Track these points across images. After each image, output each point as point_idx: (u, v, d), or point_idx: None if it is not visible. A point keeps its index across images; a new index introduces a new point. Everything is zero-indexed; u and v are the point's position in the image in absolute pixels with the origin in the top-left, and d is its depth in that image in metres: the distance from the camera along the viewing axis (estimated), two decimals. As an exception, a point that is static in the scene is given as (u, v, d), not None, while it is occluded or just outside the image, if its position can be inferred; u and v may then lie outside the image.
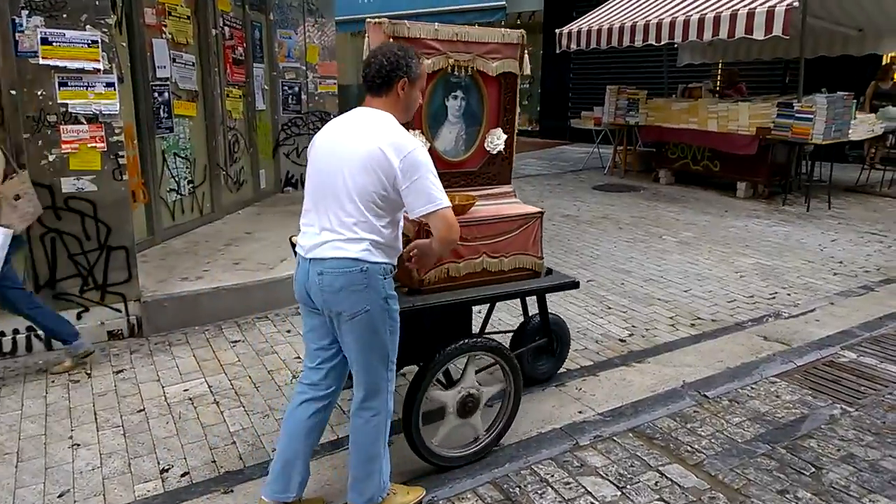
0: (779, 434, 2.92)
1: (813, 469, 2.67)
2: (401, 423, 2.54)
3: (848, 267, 5.40)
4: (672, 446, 2.83)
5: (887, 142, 9.27)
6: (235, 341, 3.98)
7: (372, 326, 2.12)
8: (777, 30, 6.56)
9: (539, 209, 2.98)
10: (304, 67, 7.90)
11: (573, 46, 9.14)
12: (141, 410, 3.16)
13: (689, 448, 2.82)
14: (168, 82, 5.46)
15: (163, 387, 3.40)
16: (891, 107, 8.24)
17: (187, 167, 5.87)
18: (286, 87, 7.79)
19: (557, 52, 9.57)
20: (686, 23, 7.56)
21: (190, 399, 3.27)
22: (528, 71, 2.93)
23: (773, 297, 4.70)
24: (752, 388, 3.38)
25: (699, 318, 4.34)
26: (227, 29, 6.47)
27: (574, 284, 3.02)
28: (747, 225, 6.89)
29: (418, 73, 2.19)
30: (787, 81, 10.24)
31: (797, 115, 7.25)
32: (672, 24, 7.73)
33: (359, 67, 2.29)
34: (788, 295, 4.76)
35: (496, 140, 3.01)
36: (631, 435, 2.92)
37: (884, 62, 9.76)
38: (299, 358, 3.73)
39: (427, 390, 2.54)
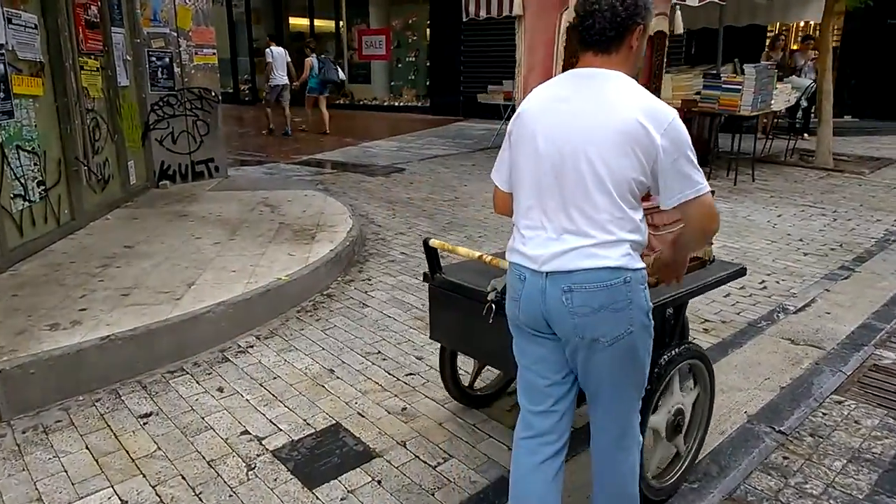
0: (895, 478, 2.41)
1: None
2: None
3: (811, 245, 5.20)
4: (786, 515, 2.20)
5: (778, 112, 9.53)
6: (146, 415, 2.83)
7: (633, 351, 1.69)
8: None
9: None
10: (174, 34, 6.46)
11: (482, 14, 8.37)
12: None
13: (805, 514, 2.20)
14: (2, 50, 3.98)
15: (45, 511, 2.24)
16: (795, 76, 8.36)
17: (35, 163, 4.41)
18: (154, 59, 6.33)
19: (465, 19, 8.75)
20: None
21: (95, 529, 2.15)
22: (680, 30, 2.45)
23: (764, 287, 4.32)
24: (824, 415, 2.85)
25: (706, 320, 3.81)
26: (75, -20, 4.97)
27: (741, 272, 2.62)
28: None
29: (652, 16, 1.68)
30: (692, 52, 10.23)
31: (724, 86, 7.04)
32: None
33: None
34: (777, 283, 4.39)
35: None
36: (729, 504, 2.26)
37: (770, 32, 10.05)
38: (248, 432, 2.69)
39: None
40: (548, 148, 1.62)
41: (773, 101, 7.27)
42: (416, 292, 4.28)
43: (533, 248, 1.66)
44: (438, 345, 3.45)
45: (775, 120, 9.69)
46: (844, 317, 3.87)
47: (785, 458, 2.54)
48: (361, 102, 16.13)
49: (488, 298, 2.13)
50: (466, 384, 2.93)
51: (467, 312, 2.30)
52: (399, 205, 6.67)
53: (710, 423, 2.48)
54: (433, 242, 2.45)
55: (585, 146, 1.58)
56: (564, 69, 2.05)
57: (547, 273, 1.63)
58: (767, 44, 10.01)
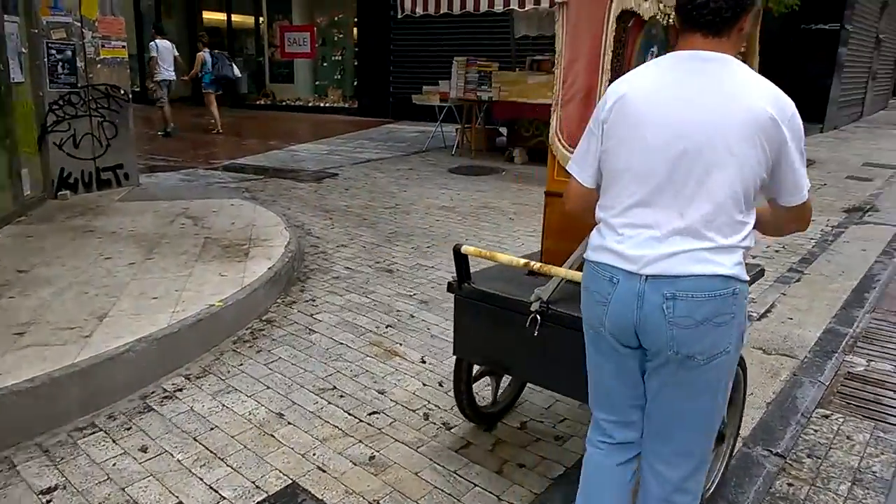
0: (910, 508, 2.24)
1: None
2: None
3: (755, 248, 5.16)
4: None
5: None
6: (49, 489, 2.27)
7: (724, 374, 1.55)
8: None
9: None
10: (78, 24, 5.71)
11: (419, 11, 7.99)
12: None
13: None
14: None
15: None
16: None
17: None
18: (54, 52, 5.58)
19: (400, 16, 8.34)
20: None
21: None
22: None
23: (730, 296, 4.20)
24: (815, 431, 2.72)
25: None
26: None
27: (761, 272, 2.51)
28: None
29: None
30: None
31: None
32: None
33: None
34: (741, 291, 4.29)
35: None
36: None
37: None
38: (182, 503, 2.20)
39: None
40: (660, 140, 1.45)
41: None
42: (367, 313, 3.85)
43: (633, 248, 1.49)
44: (404, 375, 3.05)
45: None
46: (807, 322, 3.83)
47: (790, 484, 2.36)
48: (284, 103, 15.38)
49: (532, 309, 1.97)
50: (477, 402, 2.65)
51: (505, 325, 2.13)
52: (337, 213, 6.18)
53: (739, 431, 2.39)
54: (466, 249, 2.18)
55: (709, 139, 1.42)
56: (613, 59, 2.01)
57: (647, 276, 1.47)
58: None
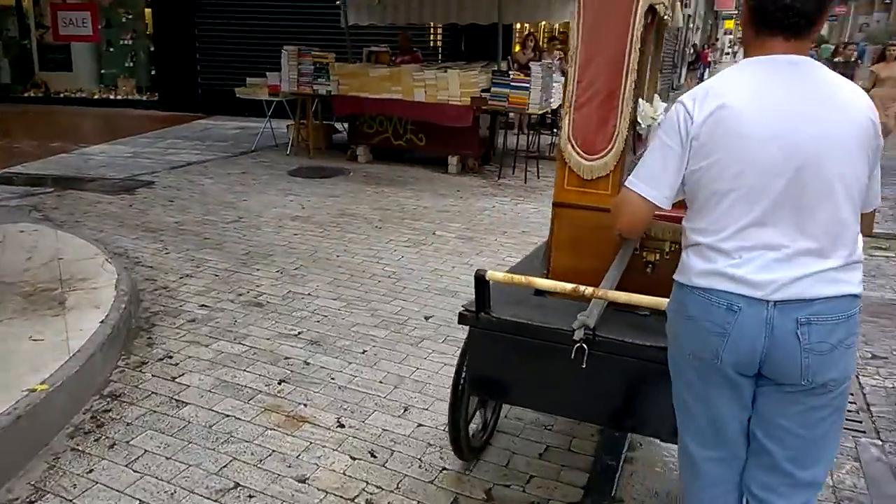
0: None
1: None
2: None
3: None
4: None
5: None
6: None
7: (847, 397, 1.47)
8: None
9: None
10: None
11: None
12: None
13: None
14: None
15: None
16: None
17: None
18: None
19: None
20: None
21: None
22: (680, 23, 2.19)
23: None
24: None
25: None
26: None
27: None
28: (495, 206, 6.28)
29: None
30: (462, 49, 10.07)
31: (513, 84, 6.90)
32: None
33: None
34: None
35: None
36: None
37: (519, 31, 10.43)
38: None
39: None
40: (776, 156, 1.37)
41: (552, 100, 7.38)
42: (249, 366, 3.10)
43: (756, 273, 1.39)
44: (323, 449, 2.42)
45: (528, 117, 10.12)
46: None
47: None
48: (62, 95, 12.93)
49: (576, 338, 1.76)
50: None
51: (540, 358, 1.90)
52: (168, 233, 5.12)
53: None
54: (492, 275, 1.91)
55: (828, 152, 1.36)
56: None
57: (776, 302, 1.38)
58: (519, 43, 10.37)
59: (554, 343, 1.82)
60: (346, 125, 8.72)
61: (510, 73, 7.04)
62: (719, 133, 1.40)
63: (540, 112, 7.04)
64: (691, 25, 21.66)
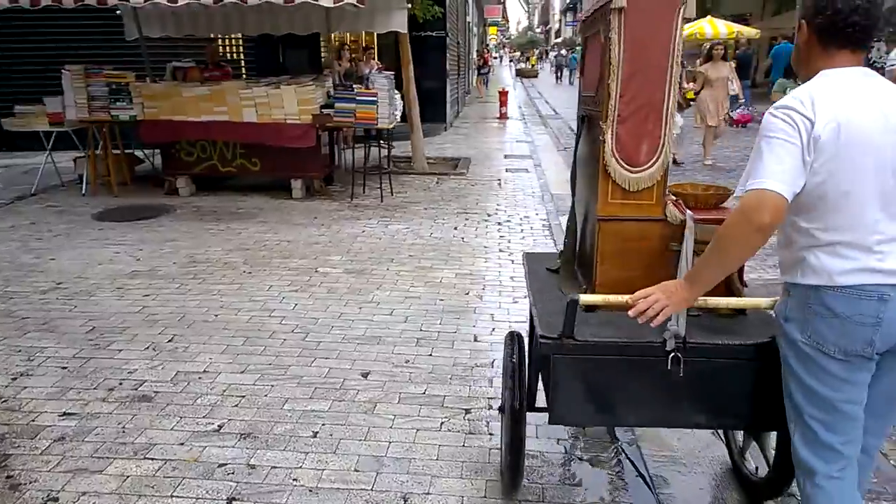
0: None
1: None
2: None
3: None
4: None
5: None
6: None
7: None
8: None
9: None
10: None
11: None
12: None
13: None
14: None
15: None
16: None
17: None
18: None
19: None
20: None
21: None
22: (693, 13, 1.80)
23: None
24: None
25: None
26: None
27: None
28: (365, 230, 5.83)
29: None
30: (281, 62, 9.22)
31: (360, 98, 6.47)
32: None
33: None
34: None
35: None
36: None
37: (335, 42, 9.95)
38: None
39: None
40: (890, 155, 1.55)
41: (397, 112, 7.10)
42: (178, 489, 2.36)
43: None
44: None
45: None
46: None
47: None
48: None
49: (668, 349, 1.85)
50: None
51: (632, 373, 1.93)
52: (-36, 318, 3.85)
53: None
54: (585, 299, 1.91)
55: None
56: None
57: None
58: (334, 54, 9.91)
59: (647, 357, 1.88)
60: (151, 153, 7.54)
61: (353, 86, 6.60)
62: (842, 139, 1.53)
63: (390, 126, 6.71)
64: (472, 32, 22.90)
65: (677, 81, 2.01)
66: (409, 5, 7.82)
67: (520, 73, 39.52)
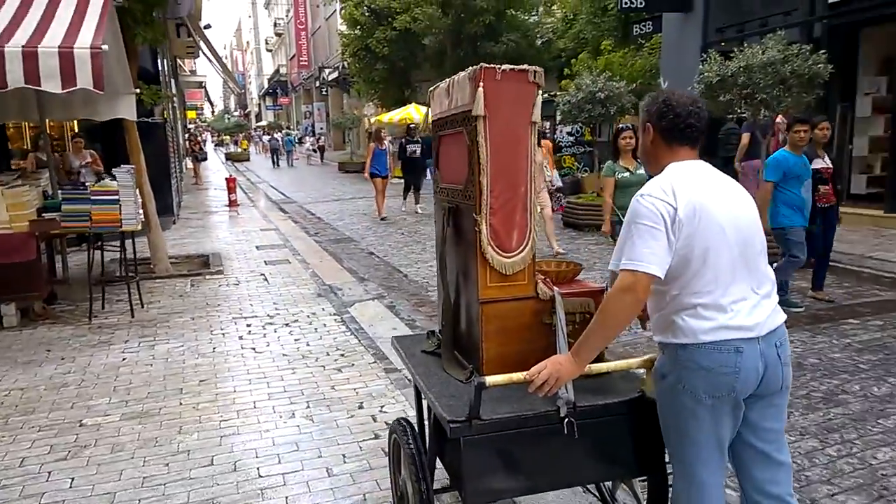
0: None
1: None
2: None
3: (323, 357, 4.71)
4: None
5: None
6: None
7: None
8: (84, 82, 4.58)
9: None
10: None
11: None
12: None
13: None
14: None
15: None
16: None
17: None
18: None
19: None
20: None
21: None
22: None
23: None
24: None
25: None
26: None
27: None
28: (126, 358, 4.73)
29: None
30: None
31: (95, 197, 5.38)
32: None
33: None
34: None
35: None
36: None
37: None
38: None
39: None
40: (733, 234, 1.87)
41: (141, 211, 6.09)
42: None
43: (746, 319, 1.85)
44: None
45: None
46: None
47: None
48: None
49: (562, 415, 2.00)
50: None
51: (535, 444, 2.08)
52: None
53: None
54: (492, 380, 1.99)
55: (752, 227, 1.94)
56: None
57: (761, 337, 1.85)
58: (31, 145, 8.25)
59: (545, 425, 2.03)
60: None
61: (86, 184, 5.47)
62: (697, 219, 1.84)
63: (137, 228, 5.70)
64: (179, 117, 21.45)
65: (534, 177, 2.29)
66: (138, 90, 6.92)
67: (230, 157, 38.28)
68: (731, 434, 1.92)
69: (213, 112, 63.01)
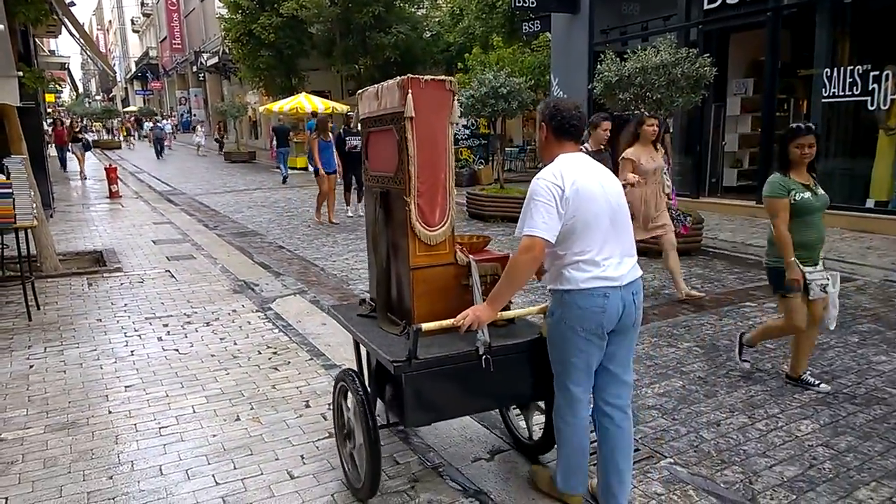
0: None
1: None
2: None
3: (255, 357, 4.56)
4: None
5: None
6: None
7: None
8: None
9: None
10: None
11: None
12: None
13: None
14: None
15: None
16: None
17: None
18: None
19: None
20: None
21: None
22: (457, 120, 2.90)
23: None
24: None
25: (422, 484, 2.97)
26: None
27: None
28: (32, 366, 4.30)
29: None
30: None
31: (-15, 191, 4.82)
32: None
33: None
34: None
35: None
36: None
37: None
38: None
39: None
40: (605, 207, 2.46)
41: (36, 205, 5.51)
42: None
43: (612, 272, 2.45)
44: None
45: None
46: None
47: None
48: None
49: (481, 353, 2.56)
50: None
51: (459, 377, 2.59)
52: None
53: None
54: (427, 326, 2.53)
55: (619, 201, 2.53)
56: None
57: (623, 286, 2.45)
58: None
59: (468, 362, 2.56)
60: None
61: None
62: (579, 197, 2.40)
63: (34, 224, 5.17)
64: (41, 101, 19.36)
65: (453, 167, 2.82)
66: (21, 73, 6.26)
67: (97, 145, 35.18)
68: (597, 360, 2.52)
69: (76, 96, 57.46)
